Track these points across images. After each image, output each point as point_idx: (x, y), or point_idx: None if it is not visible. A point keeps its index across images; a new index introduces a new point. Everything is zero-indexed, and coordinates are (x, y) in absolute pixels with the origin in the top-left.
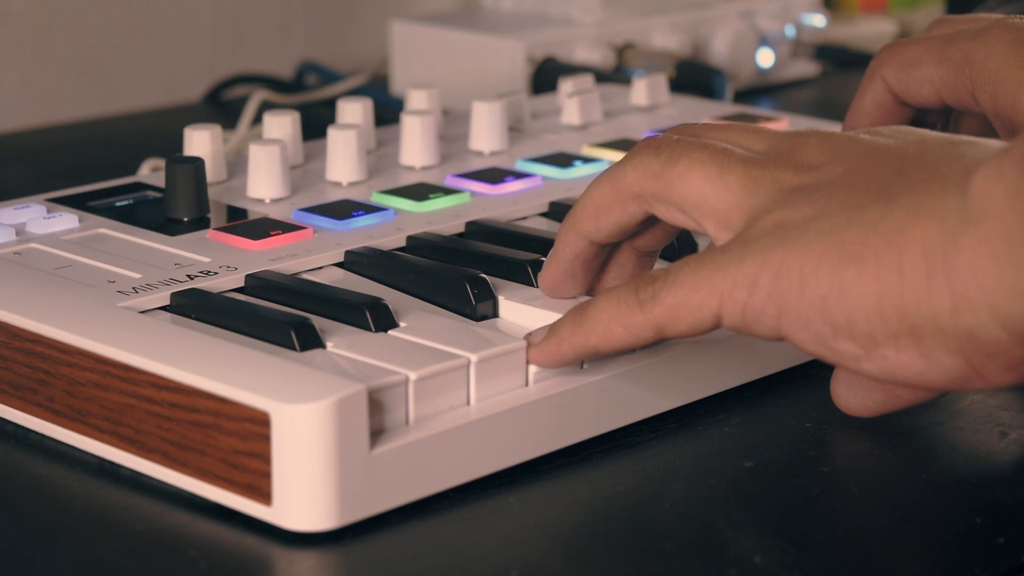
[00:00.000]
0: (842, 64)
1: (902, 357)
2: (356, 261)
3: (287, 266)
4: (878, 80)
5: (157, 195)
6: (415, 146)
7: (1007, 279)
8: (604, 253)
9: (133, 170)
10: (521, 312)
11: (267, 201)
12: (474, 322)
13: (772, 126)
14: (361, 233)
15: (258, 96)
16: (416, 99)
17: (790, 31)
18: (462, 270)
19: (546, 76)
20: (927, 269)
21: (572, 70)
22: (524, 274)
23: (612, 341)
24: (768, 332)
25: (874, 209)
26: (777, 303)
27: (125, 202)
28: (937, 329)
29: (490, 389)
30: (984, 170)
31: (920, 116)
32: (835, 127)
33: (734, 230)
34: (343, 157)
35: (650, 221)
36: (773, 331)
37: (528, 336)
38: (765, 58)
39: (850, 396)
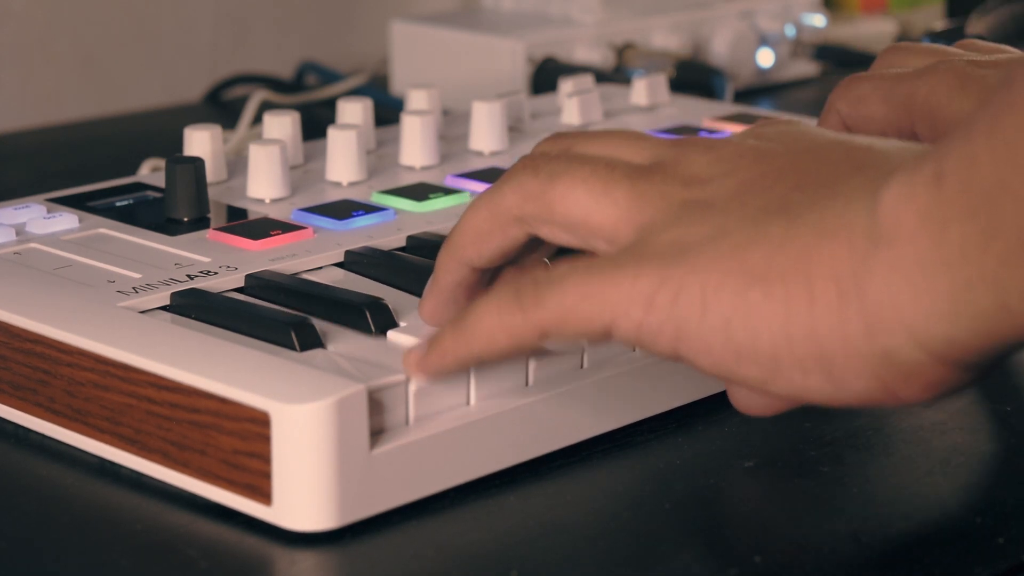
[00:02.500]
0: (842, 64)
1: (809, 380)
2: (356, 261)
3: (287, 266)
4: (833, 113)
5: (157, 195)
6: (415, 146)
7: (924, 302)
8: (488, 275)
9: (133, 170)
10: None
11: (267, 201)
12: None
13: None
14: (361, 233)
15: (258, 96)
16: (416, 99)
17: (790, 31)
18: None
19: (546, 76)
20: (838, 292)
21: (572, 70)
22: None
23: (495, 348)
24: (665, 352)
25: (777, 227)
26: (676, 325)
27: (125, 202)
28: (850, 353)
29: (490, 389)
30: (894, 190)
31: None
32: None
33: (623, 245)
34: (343, 157)
35: (534, 240)
36: (671, 352)
37: (409, 351)
38: (765, 58)
39: (748, 398)
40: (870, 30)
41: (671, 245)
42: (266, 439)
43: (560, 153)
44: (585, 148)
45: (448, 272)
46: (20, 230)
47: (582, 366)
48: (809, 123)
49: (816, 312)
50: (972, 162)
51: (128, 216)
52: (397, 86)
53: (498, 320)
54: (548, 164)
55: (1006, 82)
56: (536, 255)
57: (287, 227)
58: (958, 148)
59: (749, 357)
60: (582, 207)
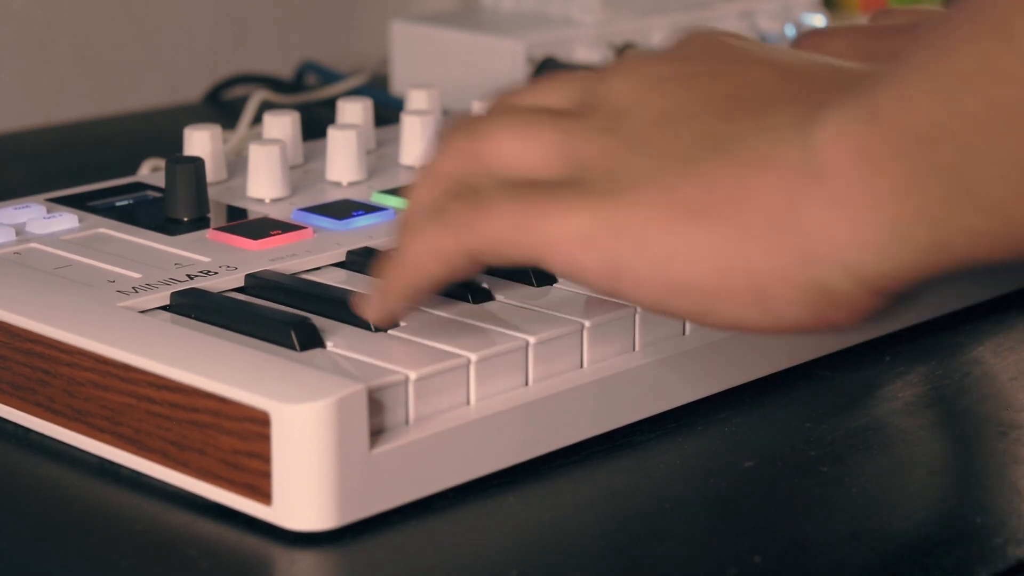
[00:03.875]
0: None
1: (744, 312)
2: (357, 261)
3: (287, 266)
4: None
5: (157, 195)
6: (415, 146)
7: (859, 235)
8: None
9: (133, 170)
10: (520, 311)
11: (267, 201)
12: (474, 322)
13: None
14: (361, 233)
15: (258, 96)
16: (416, 99)
17: (790, 31)
18: None
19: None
20: (772, 225)
21: (572, 70)
22: (525, 275)
23: (428, 275)
24: (599, 286)
25: (710, 161)
26: (612, 262)
27: (125, 202)
28: (782, 283)
29: (490, 389)
30: (828, 127)
31: None
32: None
33: (557, 176)
34: (343, 157)
35: None
36: (606, 287)
37: (361, 301)
38: None
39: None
40: None
41: (605, 180)
42: (266, 439)
43: (491, 110)
44: (515, 100)
45: None
46: (20, 230)
47: (582, 365)
48: (736, 36)
49: (750, 245)
50: (907, 102)
51: (128, 216)
52: (397, 86)
53: (428, 247)
54: (476, 122)
55: (943, 23)
56: None
57: (287, 227)
58: (894, 88)
59: (684, 291)
60: (509, 151)
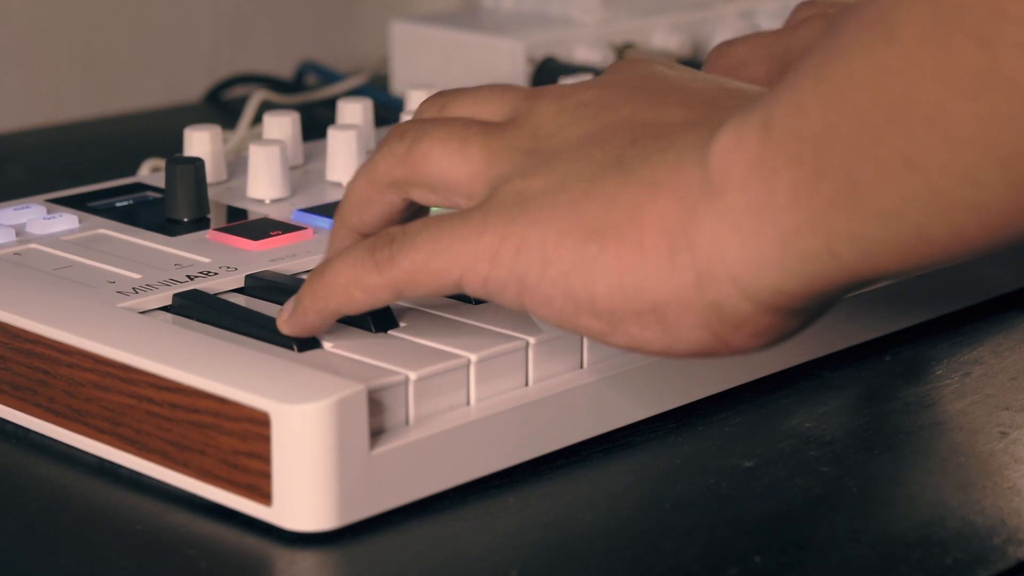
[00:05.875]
0: None
1: (646, 333)
2: None
3: (287, 266)
4: None
5: (157, 195)
6: None
7: (750, 251)
8: None
9: (133, 170)
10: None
11: (267, 201)
12: (474, 322)
13: None
14: None
15: (258, 96)
16: (416, 99)
17: None
18: None
19: (546, 76)
20: (669, 245)
21: (572, 70)
22: None
23: (352, 304)
24: (511, 304)
25: (612, 182)
26: (519, 279)
27: (125, 202)
28: (681, 305)
29: (490, 389)
30: (723, 140)
31: None
32: None
33: (477, 199)
34: (343, 157)
35: (419, 205)
36: (516, 304)
37: (282, 308)
38: None
39: None
40: None
41: (513, 197)
42: (266, 439)
43: (429, 117)
44: (452, 110)
45: (339, 239)
46: (20, 230)
47: (582, 366)
48: (667, 64)
49: (648, 265)
50: (799, 108)
51: (128, 216)
52: (397, 86)
53: (354, 277)
54: (413, 128)
55: (833, 28)
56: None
57: (287, 227)
58: (786, 95)
59: (588, 310)
60: (440, 166)
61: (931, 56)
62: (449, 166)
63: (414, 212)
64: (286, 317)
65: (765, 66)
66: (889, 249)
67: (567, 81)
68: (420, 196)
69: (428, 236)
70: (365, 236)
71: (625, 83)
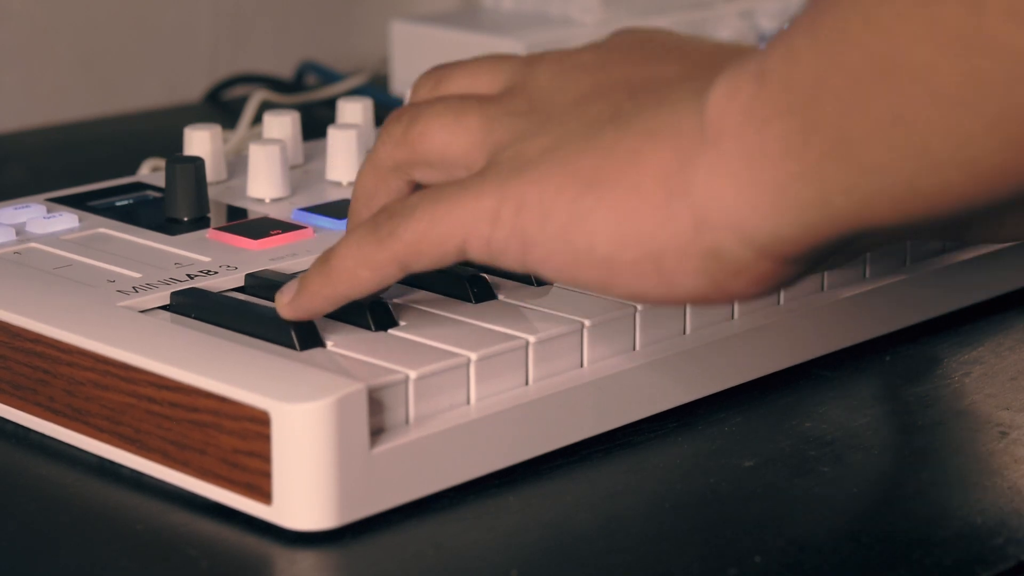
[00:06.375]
0: None
1: (644, 282)
2: None
3: (287, 266)
4: None
5: (157, 195)
6: None
7: (748, 197)
8: None
9: (133, 170)
10: (520, 311)
11: (267, 201)
12: (474, 322)
13: None
14: None
15: (258, 96)
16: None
17: None
18: (462, 269)
19: None
20: (666, 192)
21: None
22: (525, 275)
23: (360, 285)
24: (515, 265)
25: (608, 135)
26: (520, 236)
27: (125, 202)
28: (678, 251)
29: (490, 388)
30: (719, 89)
31: None
32: None
33: (477, 170)
34: (343, 157)
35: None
36: (519, 264)
37: (280, 290)
38: None
39: None
40: None
41: (512, 160)
42: (266, 438)
43: (425, 95)
44: (448, 87)
45: None
46: (20, 230)
47: (582, 365)
48: (665, 31)
49: (645, 213)
50: (793, 59)
51: (128, 216)
52: (397, 86)
53: (360, 257)
54: (409, 110)
55: None
56: None
57: (287, 227)
58: (780, 45)
59: (587, 262)
60: (439, 141)
61: (922, 15)
62: (447, 141)
63: None
64: (287, 301)
65: None
66: (881, 201)
67: None
68: (422, 175)
69: (427, 205)
70: None
71: (621, 44)
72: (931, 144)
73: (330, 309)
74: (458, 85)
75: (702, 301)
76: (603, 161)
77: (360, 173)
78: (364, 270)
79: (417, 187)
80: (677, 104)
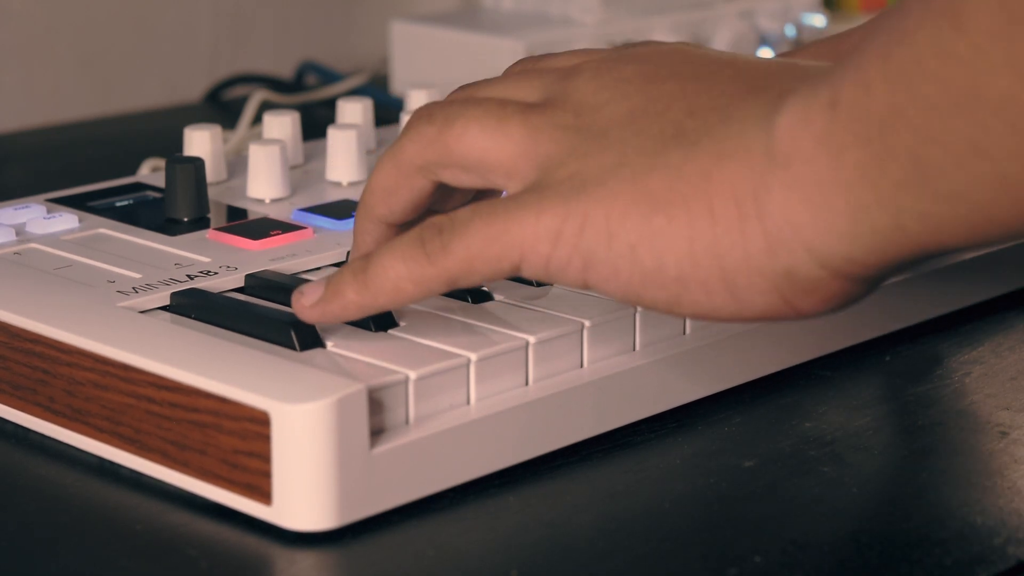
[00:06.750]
0: None
1: (715, 300)
2: None
3: (287, 266)
4: None
5: (157, 195)
6: None
7: (822, 220)
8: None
9: (133, 170)
10: (520, 311)
11: (267, 201)
12: (474, 322)
13: None
14: None
15: (258, 96)
16: (416, 99)
17: (790, 31)
18: None
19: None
20: (739, 212)
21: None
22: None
23: (403, 298)
24: (574, 282)
25: (675, 154)
26: (583, 255)
27: (125, 202)
28: (751, 271)
29: (490, 389)
30: (789, 115)
31: None
32: None
33: (524, 180)
34: (343, 157)
35: (444, 189)
36: (579, 282)
37: (300, 291)
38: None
39: None
40: None
41: (571, 177)
42: (266, 439)
43: (456, 99)
44: (481, 91)
45: (366, 233)
46: (20, 230)
47: (582, 365)
48: (692, 44)
49: (718, 232)
50: (866, 89)
51: (128, 216)
52: (397, 86)
53: (405, 271)
54: (443, 109)
55: (898, 12)
56: (450, 204)
57: (287, 227)
58: (852, 75)
59: (656, 281)
60: (478, 145)
61: (999, 48)
62: (488, 146)
63: (441, 195)
64: (311, 303)
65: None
66: (957, 226)
67: None
68: (451, 177)
69: (482, 222)
70: (392, 225)
71: (664, 58)
72: (1009, 172)
73: (361, 317)
74: (491, 93)
75: (771, 318)
76: (673, 182)
77: (379, 168)
78: (409, 284)
79: (438, 187)
80: (745, 124)
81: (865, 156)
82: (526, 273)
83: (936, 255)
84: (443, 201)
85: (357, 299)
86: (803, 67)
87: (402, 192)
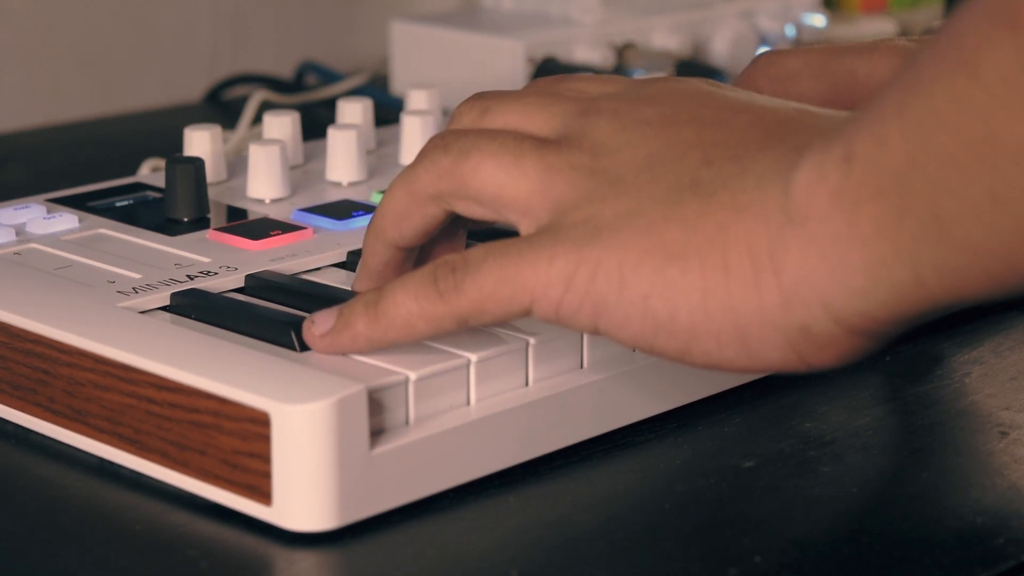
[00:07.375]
0: None
1: (726, 352)
2: (357, 262)
3: (287, 266)
4: (753, 89)
5: (157, 195)
6: (415, 146)
7: (839, 277)
8: (415, 253)
9: (133, 170)
10: None
11: (267, 201)
12: None
13: None
14: (361, 233)
15: (258, 96)
16: (416, 99)
17: (790, 31)
18: None
19: (546, 76)
20: (754, 267)
21: (572, 70)
22: None
23: (413, 335)
24: (584, 328)
25: (691, 205)
26: (595, 302)
27: (125, 202)
28: (765, 325)
29: (490, 389)
30: (805, 172)
31: None
32: None
33: (538, 220)
34: (343, 157)
35: (457, 215)
36: (590, 327)
37: (311, 319)
38: None
39: None
40: (870, 30)
41: (586, 223)
42: (266, 439)
43: (471, 127)
44: (495, 119)
45: (375, 254)
46: (20, 230)
47: (582, 366)
48: (709, 82)
49: (732, 286)
50: (882, 143)
51: (128, 216)
52: (397, 86)
53: (416, 308)
54: (458, 140)
55: (912, 63)
56: (461, 230)
57: (287, 227)
58: (867, 129)
59: (667, 331)
60: (494, 181)
61: (1015, 95)
62: (503, 182)
63: (457, 223)
64: (322, 332)
65: (819, 83)
66: (976, 277)
67: None
68: (464, 208)
69: (494, 263)
70: (402, 249)
71: (683, 100)
72: None
73: (371, 351)
74: (506, 120)
75: (782, 371)
76: (689, 234)
77: (392, 193)
78: (421, 322)
79: (450, 215)
80: (761, 178)
81: (881, 210)
82: (537, 316)
83: (955, 307)
84: (454, 226)
85: (367, 332)
86: (818, 116)
87: (414, 218)
